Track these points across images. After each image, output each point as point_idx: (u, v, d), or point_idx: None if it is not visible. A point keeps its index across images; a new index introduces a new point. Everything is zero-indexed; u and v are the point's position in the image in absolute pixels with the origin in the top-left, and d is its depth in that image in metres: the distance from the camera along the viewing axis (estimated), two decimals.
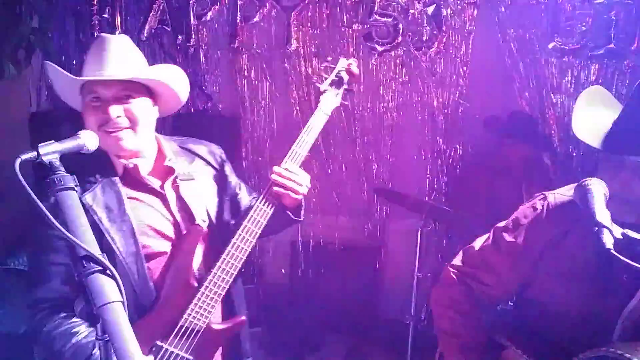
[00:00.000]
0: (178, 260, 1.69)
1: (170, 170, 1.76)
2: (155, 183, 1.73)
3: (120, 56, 1.65)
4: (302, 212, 1.85)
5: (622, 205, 1.55)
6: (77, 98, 1.69)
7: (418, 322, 3.01)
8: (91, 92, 1.61)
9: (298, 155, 1.78)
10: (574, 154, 3.40)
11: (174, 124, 3.45)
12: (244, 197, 1.95)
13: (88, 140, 1.37)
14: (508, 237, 1.72)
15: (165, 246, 1.70)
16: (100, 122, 1.60)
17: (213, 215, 1.80)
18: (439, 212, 3.13)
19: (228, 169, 1.94)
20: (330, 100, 1.88)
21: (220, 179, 1.89)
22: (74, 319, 1.57)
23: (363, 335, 3.53)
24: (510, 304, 1.96)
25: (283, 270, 3.79)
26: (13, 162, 1.13)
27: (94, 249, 1.08)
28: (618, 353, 1.42)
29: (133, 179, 1.69)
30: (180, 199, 1.74)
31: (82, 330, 1.55)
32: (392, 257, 3.71)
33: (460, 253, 1.86)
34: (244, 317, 1.78)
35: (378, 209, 3.71)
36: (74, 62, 3.72)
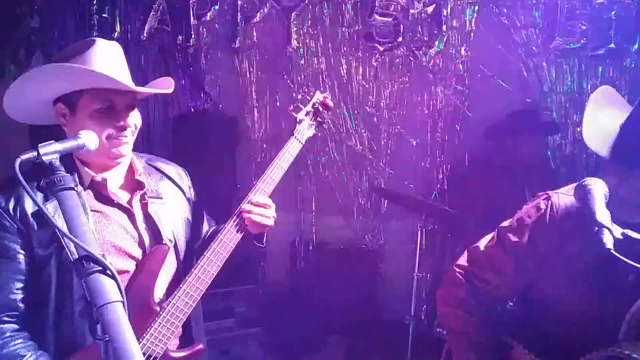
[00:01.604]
0: (140, 280, 1.61)
1: (139, 186, 1.71)
2: (122, 198, 1.67)
3: (124, 64, 1.64)
4: (265, 239, 1.84)
5: (631, 207, 1.55)
6: (42, 107, 1.60)
7: (418, 322, 3.01)
8: (103, 100, 1.56)
9: (271, 181, 1.79)
10: (577, 154, 3.40)
11: (175, 125, 3.45)
12: (205, 225, 1.93)
13: (88, 140, 1.37)
14: (513, 237, 1.73)
15: (127, 265, 1.63)
16: (113, 130, 1.57)
17: (177, 237, 1.75)
18: (439, 212, 3.13)
19: (193, 193, 1.91)
20: (306, 129, 1.93)
21: (186, 202, 1.85)
22: (19, 340, 1.51)
23: (363, 335, 3.53)
24: (510, 304, 1.96)
25: (283, 271, 3.79)
26: (13, 162, 1.13)
27: (94, 249, 1.08)
28: (625, 353, 1.43)
29: (99, 193, 1.63)
30: (147, 217, 1.69)
31: (29, 354, 1.49)
32: (392, 257, 3.70)
33: (465, 253, 1.87)
34: (202, 346, 1.71)
35: (378, 209, 3.70)
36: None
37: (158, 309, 1.62)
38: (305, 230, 3.74)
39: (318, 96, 1.99)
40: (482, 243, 1.83)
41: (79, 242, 1.07)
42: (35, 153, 1.18)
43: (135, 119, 1.63)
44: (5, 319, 1.52)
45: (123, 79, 1.56)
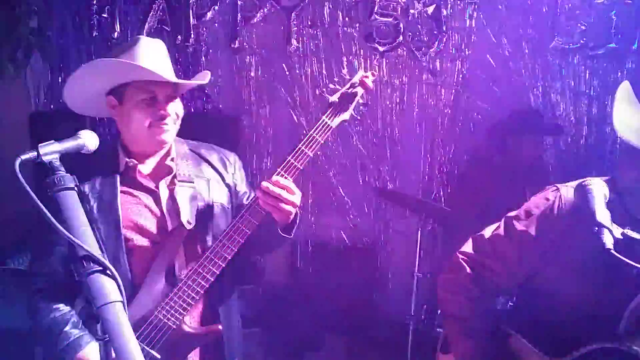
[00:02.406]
0: (159, 257, 1.72)
1: (170, 170, 1.81)
2: (151, 181, 1.79)
3: (165, 59, 1.77)
4: (294, 230, 1.77)
5: None
6: (96, 100, 1.76)
7: (418, 322, 3.01)
8: (145, 91, 1.69)
9: (293, 167, 1.69)
10: (577, 154, 3.40)
11: None
12: None
13: (88, 140, 1.37)
14: (519, 226, 1.74)
15: (148, 242, 1.74)
16: (154, 118, 1.70)
17: (208, 220, 1.80)
18: (439, 212, 3.13)
19: (239, 177, 1.93)
20: (339, 113, 1.76)
21: (225, 188, 1.88)
22: (58, 296, 1.68)
23: (363, 335, 3.53)
24: (510, 304, 1.96)
25: (283, 270, 3.79)
26: (13, 162, 1.13)
27: (94, 249, 1.08)
28: (627, 345, 1.44)
29: (131, 176, 1.76)
30: (172, 199, 1.77)
31: (63, 307, 1.67)
32: (392, 257, 3.70)
33: (470, 240, 1.87)
34: (220, 326, 1.75)
35: (378, 209, 3.70)
36: (73, 62, 3.71)
37: (174, 285, 1.70)
38: (305, 230, 3.73)
39: (358, 76, 1.82)
40: (488, 231, 1.84)
41: (79, 242, 1.07)
42: (35, 153, 1.18)
43: (176, 108, 1.75)
44: (45, 280, 1.69)
45: (163, 71, 1.68)
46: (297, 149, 1.70)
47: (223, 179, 1.88)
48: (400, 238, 3.62)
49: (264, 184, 1.66)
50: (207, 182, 1.85)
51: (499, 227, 1.81)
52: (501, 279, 1.79)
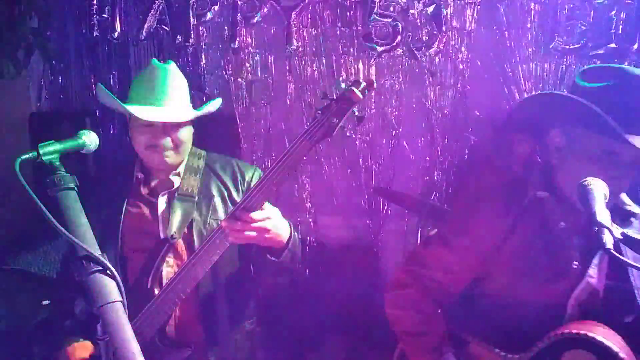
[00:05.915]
0: (144, 267, 1.80)
1: (171, 184, 1.91)
2: (154, 194, 1.91)
3: (175, 91, 1.86)
4: (284, 253, 1.72)
5: None
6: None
7: None
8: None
9: (266, 188, 1.56)
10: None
11: None
12: None
13: (88, 140, 1.38)
14: (456, 236, 1.75)
15: (141, 250, 1.83)
16: (149, 144, 1.82)
17: (199, 235, 1.84)
18: (439, 212, 3.13)
19: None
20: (319, 132, 1.56)
21: (232, 204, 1.90)
22: None
23: (363, 335, 3.52)
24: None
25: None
26: (13, 162, 1.14)
27: (94, 249, 1.08)
28: (573, 332, 1.51)
29: (137, 188, 1.91)
30: (167, 212, 1.84)
31: None
32: (392, 257, 3.70)
33: (411, 254, 1.88)
34: (189, 349, 1.78)
35: (378, 209, 3.70)
36: (73, 62, 3.71)
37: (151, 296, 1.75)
38: (304, 230, 3.73)
39: (343, 90, 1.61)
40: (426, 243, 1.85)
41: (79, 242, 1.07)
42: (35, 153, 1.19)
43: (177, 135, 1.84)
44: None
45: (167, 111, 1.81)
46: (270, 170, 1.57)
47: (230, 196, 1.89)
48: (400, 238, 3.61)
49: (232, 216, 1.59)
50: (210, 198, 1.88)
51: (435, 237, 1.82)
52: (447, 288, 1.78)
